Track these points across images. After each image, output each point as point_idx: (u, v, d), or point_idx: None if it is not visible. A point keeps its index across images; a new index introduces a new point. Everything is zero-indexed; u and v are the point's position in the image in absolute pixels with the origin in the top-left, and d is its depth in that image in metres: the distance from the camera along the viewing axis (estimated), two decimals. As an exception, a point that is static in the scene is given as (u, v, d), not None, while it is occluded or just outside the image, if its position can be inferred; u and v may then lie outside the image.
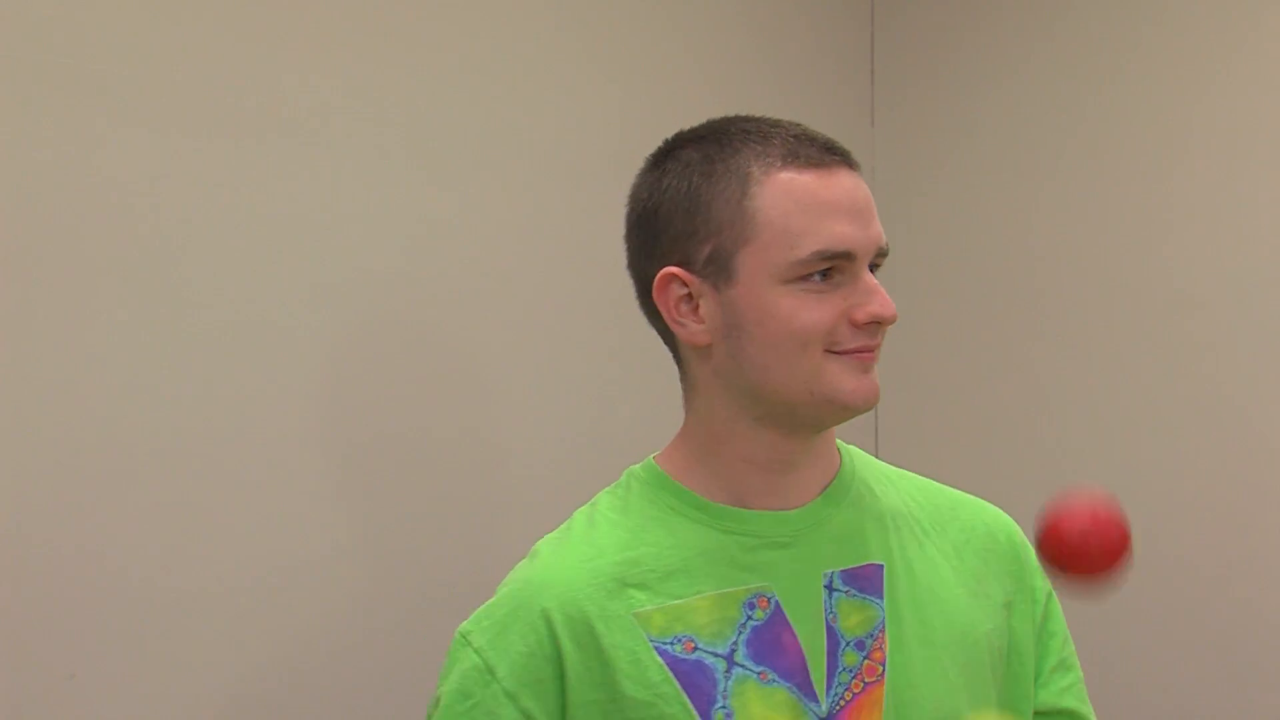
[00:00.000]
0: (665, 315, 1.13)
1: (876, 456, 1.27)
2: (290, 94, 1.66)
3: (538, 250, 1.91)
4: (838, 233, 1.08)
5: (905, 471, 1.28)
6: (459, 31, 1.84)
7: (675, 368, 1.20)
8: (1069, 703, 1.24)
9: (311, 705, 1.66)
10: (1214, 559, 2.15)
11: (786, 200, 1.08)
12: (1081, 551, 1.10)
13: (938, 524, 1.22)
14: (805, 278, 1.08)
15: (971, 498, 1.29)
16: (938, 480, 1.29)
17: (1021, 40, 2.40)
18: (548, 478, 1.89)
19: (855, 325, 1.09)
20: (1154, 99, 2.23)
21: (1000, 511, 1.28)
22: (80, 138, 1.50)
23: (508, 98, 1.89)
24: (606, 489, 1.21)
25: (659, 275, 1.12)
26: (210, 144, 1.59)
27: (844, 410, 1.11)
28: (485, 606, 1.14)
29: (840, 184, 1.10)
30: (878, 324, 1.10)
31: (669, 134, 1.19)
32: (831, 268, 1.08)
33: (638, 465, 1.21)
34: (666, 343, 1.19)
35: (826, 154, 1.11)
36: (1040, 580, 1.25)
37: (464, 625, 1.13)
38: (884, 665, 1.11)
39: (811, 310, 1.08)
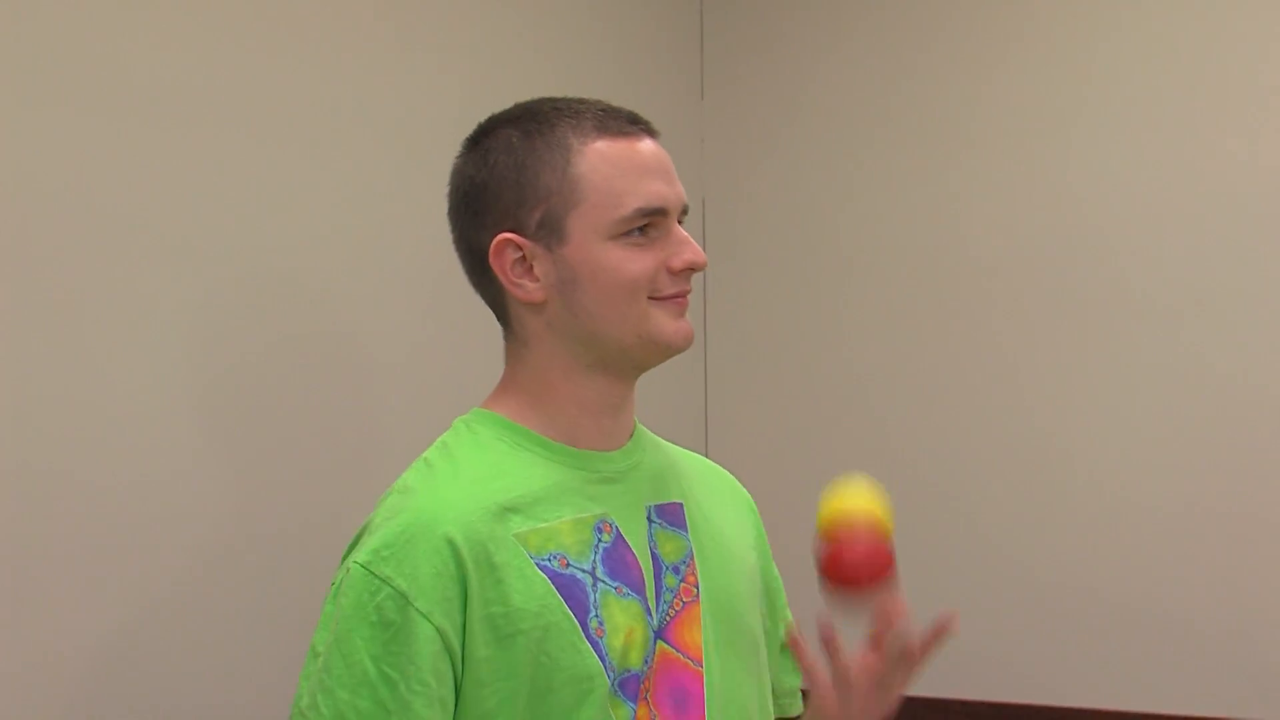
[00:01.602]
0: (502, 278, 1.24)
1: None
2: (144, 72, 1.68)
3: (381, 217, 1.97)
4: (654, 191, 1.22)
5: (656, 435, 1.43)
6: (304, 12, 1.87)
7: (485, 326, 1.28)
8: (798, 681, 1.43)
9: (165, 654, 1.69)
10: (1018, 514, 2.33)
11: (606, 165, 1.22)
12: (854, 580, 1.25)
13: (700, 476, 1.39)
14: (628, 233, 1.22)
15: (707, 459, 1.47)
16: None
17: (848, 17, 2.50)
18: (402, 414, 1.96)
19: (673, 273, 1.23)
20: (957, 80, 2.39)
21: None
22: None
23: (348, 75, 1.93)
24: (443, 435, 1.29)
25: (494, 242, 1.23)
26: (72, 119, 1.60)
27: (666, 350, 1.25)
28: (377, 540, 1.17)
29: (648, 149, 1.25)
30: (691, 270, 1.24)
31: (502, 105, 1.29)
32: (649, 223, 1.22)
33: (467, 414, 1.30)
34: (493, 305, 1.29)
35: (630, 125, 1.25)
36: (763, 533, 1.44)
37: (358, 558, 1.16)
38: (698, 588, 1.27)
39: (636, 261, 1.22)
